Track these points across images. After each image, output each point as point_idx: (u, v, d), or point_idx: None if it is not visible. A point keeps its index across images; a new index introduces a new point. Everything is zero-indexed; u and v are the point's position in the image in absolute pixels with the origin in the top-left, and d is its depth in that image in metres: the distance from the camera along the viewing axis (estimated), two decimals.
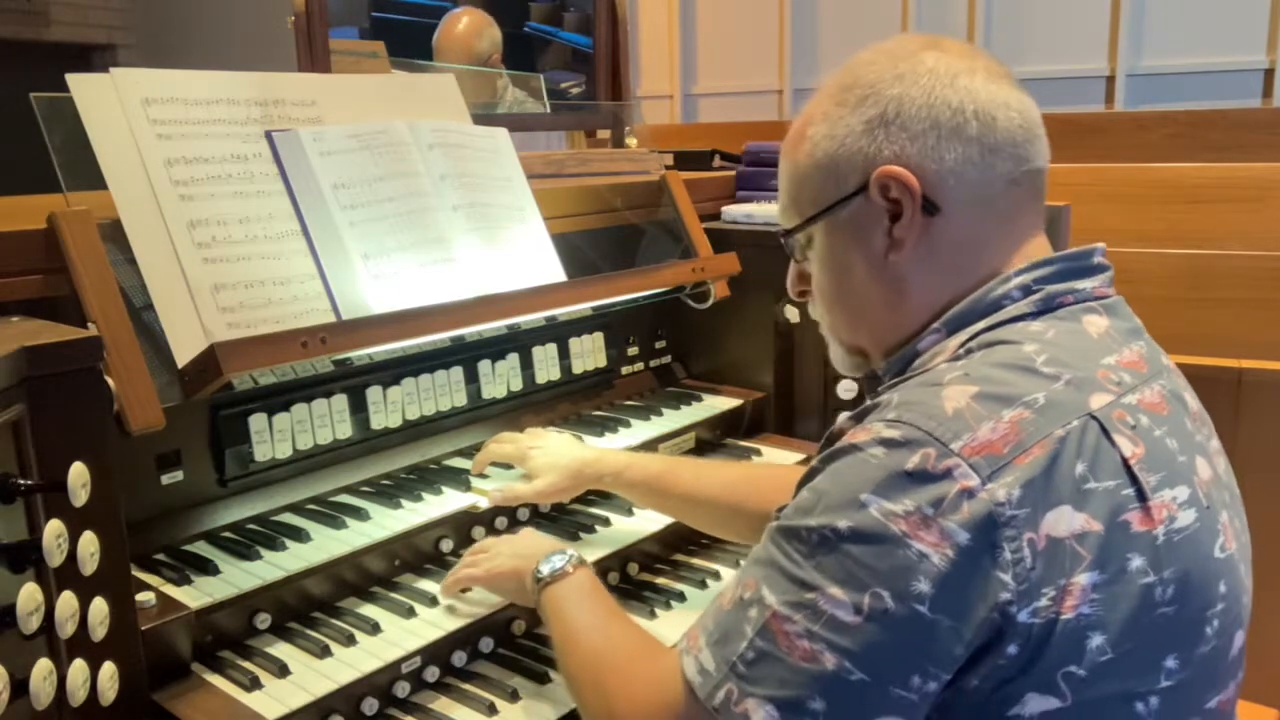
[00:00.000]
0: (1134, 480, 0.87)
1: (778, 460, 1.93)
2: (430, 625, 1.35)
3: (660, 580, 1.64)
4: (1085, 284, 1.00)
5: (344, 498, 1.56)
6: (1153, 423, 0.92)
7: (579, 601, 1.21)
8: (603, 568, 1.57)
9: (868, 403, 0.95)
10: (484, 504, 1.55)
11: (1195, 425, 0.99)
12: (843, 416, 0.98)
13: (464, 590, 1.39)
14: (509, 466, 1.64)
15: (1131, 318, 1.04)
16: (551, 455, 1.58)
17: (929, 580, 0.81)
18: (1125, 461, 0.87)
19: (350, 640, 1.30)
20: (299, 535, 1.41)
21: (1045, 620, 0.82)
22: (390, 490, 1.58)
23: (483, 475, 1.64)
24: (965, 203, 1.00)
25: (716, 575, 1.64)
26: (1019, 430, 0.85)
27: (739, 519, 1.49)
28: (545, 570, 1.25)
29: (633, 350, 2.11)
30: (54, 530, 1.00)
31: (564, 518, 1.68)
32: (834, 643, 0.84)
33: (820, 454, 0.94)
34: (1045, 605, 0.82)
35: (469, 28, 2.49)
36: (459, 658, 1.37)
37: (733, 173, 2.40)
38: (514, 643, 1.44)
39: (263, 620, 1.32)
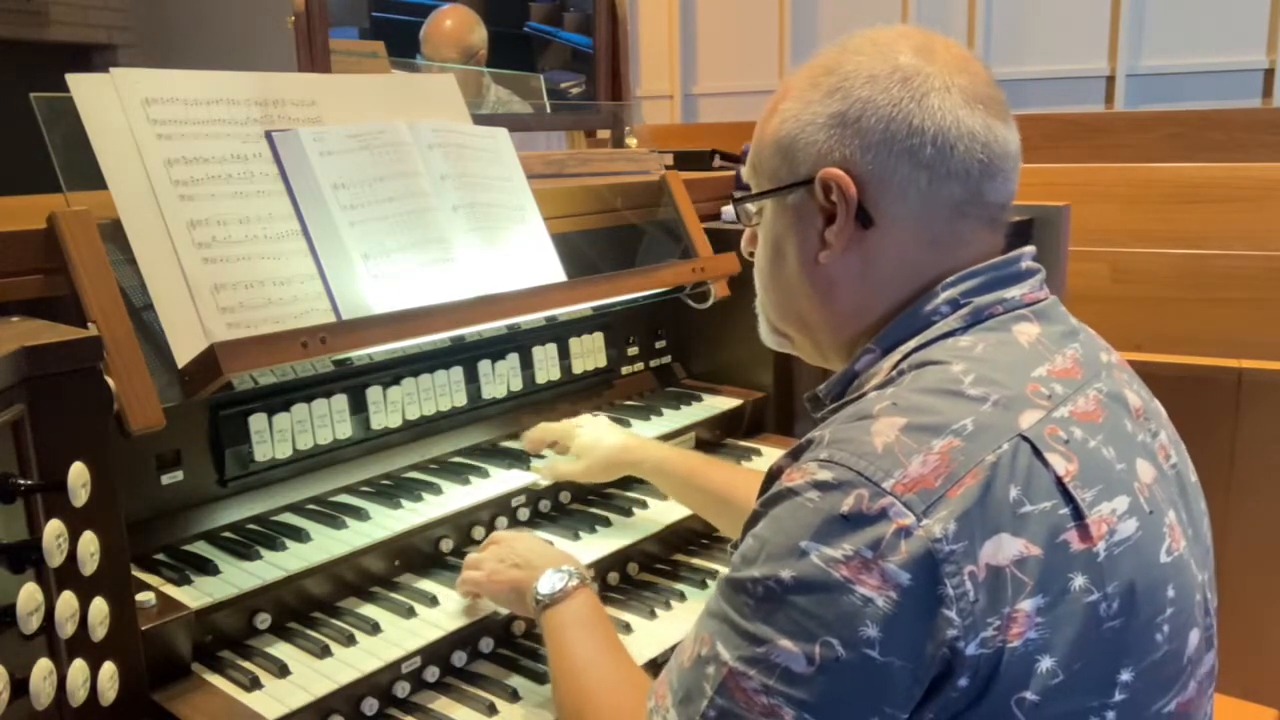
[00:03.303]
0: (1069, 498, 0.86)
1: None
2: (430, 625, 1.35)
3: (660, 580, 1.64)
4: (1014, 292, 0.99)
5: (344, 498, 1.56)
6: (1087, 434, 0.90)
7: (577, 628, 1.22)
8: (603, 567, 1.57)
9: (803, 439, 0.94)
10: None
11: (1137, 425, 0.98)
12: (780, 454, 0.97)
13: (476, 596, 1.39)
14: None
15: (1066, 319, 1.03)
16: (594, 436, 1.64)
17: (876, 624, 0.81)
18: (1059, 480, 0.86)
19: (350, 640, 1.30)
20: (299, 535, 1.41)
21: (993, 650, 0.82)
22: (390, 490, 1.58)
23: (540, 455, 1.71)
24: (902, 222, 0.99)
25: (715, 575, 1.64)
26: (949, 461, 0.84)
27: None
28: (544, 591, 1.26)
29: (633, 350, 2.11)
30: (54, 530, 1.00)
31: (564, 517, 1.68)
32: (791, 695, 0.84)
33: (760, 496, 0.94)
34: (991, 635, 0.82)
35: (459, 23, 2.50)
36: (459, 658, 1.37)
37: (732, 173, 2.40)
38: (514, 643, 1.44)
39: (263, 620, 1.32)
